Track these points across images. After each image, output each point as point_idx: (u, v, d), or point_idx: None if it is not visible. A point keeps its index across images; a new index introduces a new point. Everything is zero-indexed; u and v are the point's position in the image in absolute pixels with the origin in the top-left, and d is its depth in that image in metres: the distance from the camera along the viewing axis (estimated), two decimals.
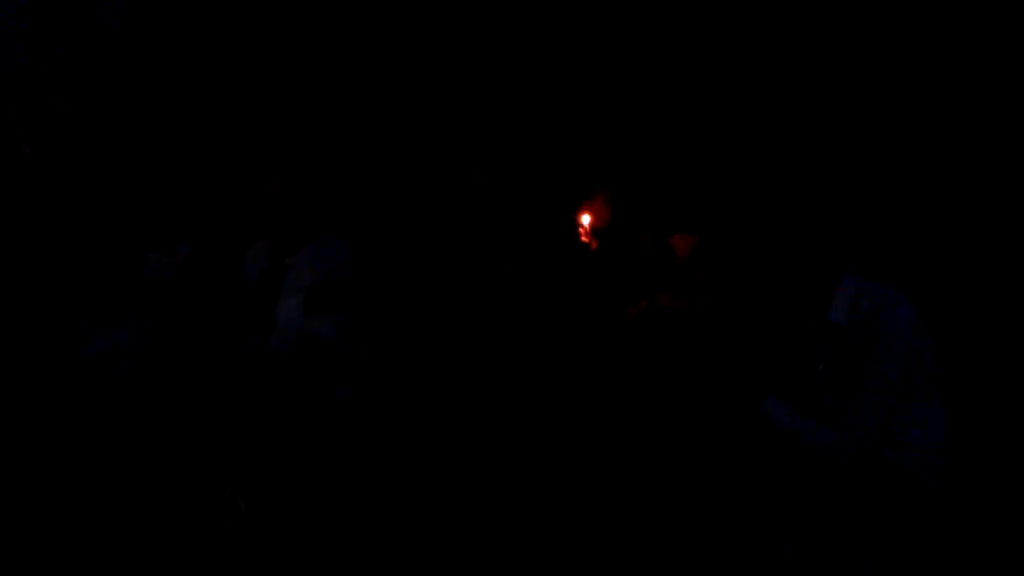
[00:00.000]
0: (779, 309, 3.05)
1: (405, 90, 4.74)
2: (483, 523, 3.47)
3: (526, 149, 4.52)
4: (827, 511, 2.89)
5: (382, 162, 4.68)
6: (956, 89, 4.30)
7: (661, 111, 4.56)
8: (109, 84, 4.54)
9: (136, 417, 3.46)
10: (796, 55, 4.43)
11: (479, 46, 4.75)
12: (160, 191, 3.89)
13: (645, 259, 4.12)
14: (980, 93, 4.27)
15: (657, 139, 4.50)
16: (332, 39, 4.75)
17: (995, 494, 3.50)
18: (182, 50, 4.74)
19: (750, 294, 3.40)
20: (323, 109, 4.69)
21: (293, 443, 3.37)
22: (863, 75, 4.36)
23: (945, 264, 4.10)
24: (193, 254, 3.87)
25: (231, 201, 4.36)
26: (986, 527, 3.33)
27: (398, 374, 3.94)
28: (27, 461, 3.28)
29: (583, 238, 4.09)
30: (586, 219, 4.14)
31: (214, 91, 4.74)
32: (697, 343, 3.67)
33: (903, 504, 2.88)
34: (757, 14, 4.49)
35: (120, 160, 3.89)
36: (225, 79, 4.74)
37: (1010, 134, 4.20)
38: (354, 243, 3.84)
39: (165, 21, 4.72)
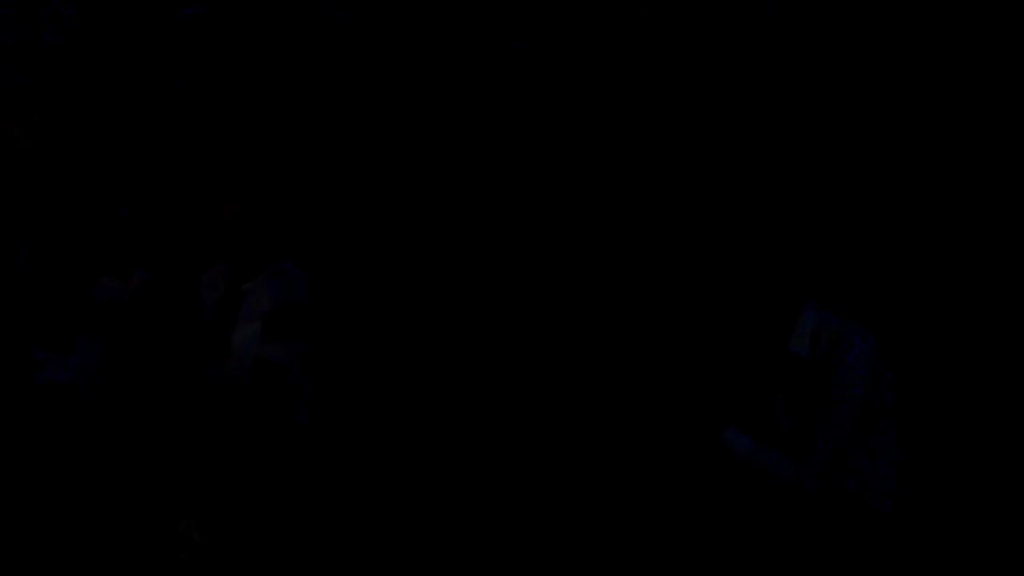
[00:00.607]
0: (740, 340, 3.08)
1: (359, 116, 4.74)
2: (441, 551, 3.45)
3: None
4: (784, 541, 2.91)
5: (342, 187, 4.66)
6: (911, 126, 4.36)
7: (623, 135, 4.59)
8: (62, 109, 4.49)
9: (89, 447, 3.41)
10: (756, 86, 4.48)
11: (431, 77, 4.76)
12: (115, 214, 3.84)
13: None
14: (935, 132, 4.34)
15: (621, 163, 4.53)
16: (289, 61, 4.74)
17: (948, 525, 3.54)
18: (136, 73, 4.70)
19: (706, 325, 3.42)
20: (283, 132, 4.67)
21: (249, 473, 3.33)
22: (821, 108, 4.42)
23: (902, 298, 4.15)
24: (148, 279, 3.83)
25: (187, 225, 4.32)
26: (940, 559, 3.37)
27: (357, 402, 3.91)
28: None
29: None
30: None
31: (169, 114, 4.70)
32: (658, 371, 3.69)
33: (859, 535, 2.91)
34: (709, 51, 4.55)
35: (74, 183, 3.85)
36: (180, 102, 4.71)
37: (968, 172, 4.27)
38: (313, 269, 3.82)
39: (118, 45, 4.68)
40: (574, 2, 4.65)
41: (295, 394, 3.57)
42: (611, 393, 3.80)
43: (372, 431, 3.85)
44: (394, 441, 3.84)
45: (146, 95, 4.65)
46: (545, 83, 4.67)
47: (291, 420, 3.54)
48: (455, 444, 3.82)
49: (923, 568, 3.28)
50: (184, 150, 4.62)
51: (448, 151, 4.64)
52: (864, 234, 4.21)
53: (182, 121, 4.66)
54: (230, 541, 3.17)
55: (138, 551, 3.15)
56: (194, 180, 4.50)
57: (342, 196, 4.63)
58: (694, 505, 3.06)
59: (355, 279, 4.41)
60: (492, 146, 4.62)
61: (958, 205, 4.24)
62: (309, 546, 3.31)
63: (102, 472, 3.32)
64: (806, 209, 4.08)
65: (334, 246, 4.52)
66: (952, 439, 3.90)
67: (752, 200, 4.10)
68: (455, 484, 3.68)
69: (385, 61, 4.72)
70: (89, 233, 3.73)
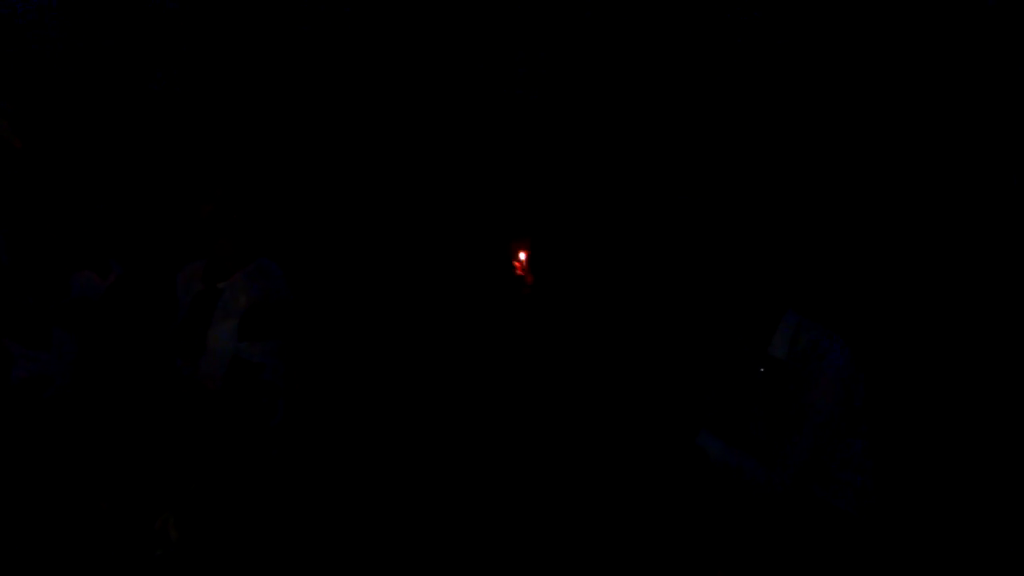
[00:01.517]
0: (719, 344, 3.10)
1: (339, 114, 4.74)
2: (419, 550, 3.46)
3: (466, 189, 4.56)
4: (757, 545, 2.94)
5: (319, 185, 4.67)
6: (894, 139, 4.42)
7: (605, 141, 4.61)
8: (44, 103, 4.47)
9: (64, 444, 3.39)
10: (741, 93, 4.51)
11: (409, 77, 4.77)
12: (93, 210, 3.83)
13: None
14: (916, 148, 4.40)
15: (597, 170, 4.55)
16: (268, 57, 4.73)
17: (917, 529, 3.60)
18: (115, 69, 4.68)
19: (685, 329, 3.45)
20: (260, 130, 4.67)
21: (226, 470, 3.33)
22: (808, 114, 4.46)
23: (877, 312, 4.22)
24: (124, 276, 3.82)
25: (164, 222, 4.31)
26: (910, 562, 3.43)
27: (334, 400, 3.91)
28: None
29: (519, 272, 4.12)
30: (522, 255, 4.16)
31: (148, 112, 4.69)
32: (633, 376, 3.71)
33: (830, 539, 2.94)
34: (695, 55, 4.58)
35: (55, 179, 3.83)
36: (159, 99, 4.69)
37: (945, 187, 4.34)
38: (290, 267, 3.82)
39: (98, 40, 4.66)
40: (574, 13, 4.68)
41: (271, 393, 3.57)
42: (589, 395, 3.83)
43: (349, 430, 3.86)
44: (372, 440, 3.85)
45: (125, 91, 4.63)
46: (540, 90, 4.69)
47: (267, 419, 3.55)
48: (433, 446, 3.84)
49: (891, 570, 3.33)
50: (163, 148, 4.61)
51: (430, 152, 4.66)
52: (844, 249, 4.27)
53: (161, 119, 4.65)
54: (207, 538, 3.17)
55: (115, 547, 3.14)
56: (172, 177, 4.49)
57: (321, 195, 4.63)
58: (669, 506, 3.08)
59: (333, 279, 4.42)
60: (479, 148, 4.64)
61: (935, 223, 4.30)
62: (285, 543, 3.31)
63: (78, 468, 3.31)
64: (791, 220, 4.13)
65: (312, 245, 4.52)
66: (920, 446, 3.97)
67: (739, 210, 4.15)
68: (434, 484, 3.69)
69: (367, 63, 4.73)
70: (68, 228, 3.72)
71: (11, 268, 3.65)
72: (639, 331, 4.05)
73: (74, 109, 4.55)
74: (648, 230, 4.30)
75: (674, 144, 4.49)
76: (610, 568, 3.23)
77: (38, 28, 4.56)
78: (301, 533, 3.35)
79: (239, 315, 3.62)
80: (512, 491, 3.67)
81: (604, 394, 3.73)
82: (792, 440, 2.90)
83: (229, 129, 4.65)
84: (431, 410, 3.96)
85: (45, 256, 3.70)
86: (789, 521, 2.92)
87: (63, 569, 3.12)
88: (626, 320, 4.12)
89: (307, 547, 3.33)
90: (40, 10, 4.55)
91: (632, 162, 4.50)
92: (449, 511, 3.57)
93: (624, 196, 4.44)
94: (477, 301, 4.27)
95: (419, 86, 4.76)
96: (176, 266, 3.84)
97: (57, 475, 3.29)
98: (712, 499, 2.99)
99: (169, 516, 3.16)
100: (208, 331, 3.62)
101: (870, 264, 4.29)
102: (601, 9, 4.69)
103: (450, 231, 4.51)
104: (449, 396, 3.99)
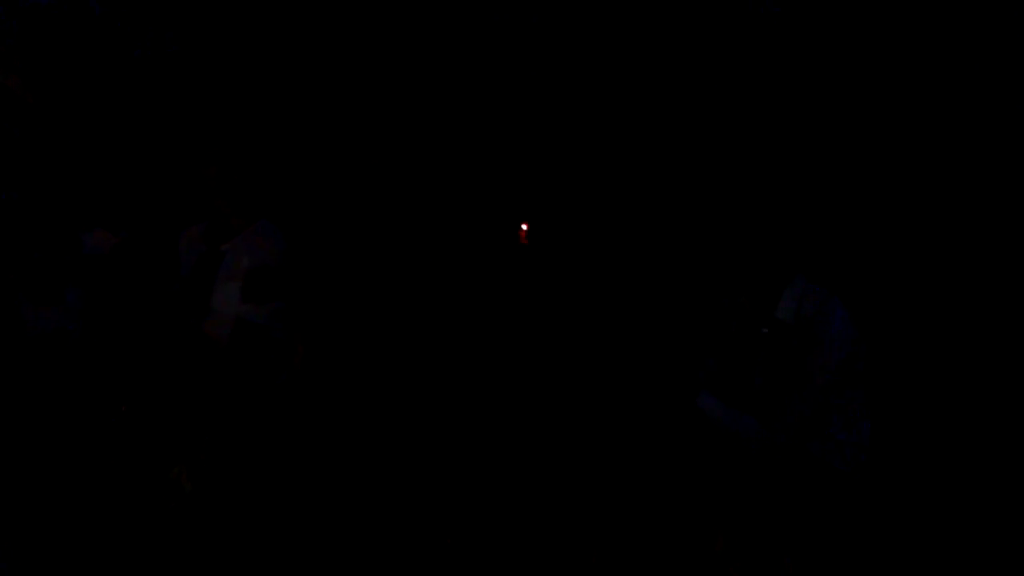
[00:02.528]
0: (731, 306, 3.18)
1: (341, 79, 4.75)
2: (418, 506, 3.51)
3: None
4: (755, 504, 3.02)
5: (320, 150, 4.67)
6: (902, 107, 4.46)
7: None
8: (58, 67, 4.44)
9: (79, 397, 3.41)
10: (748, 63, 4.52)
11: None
12: (102, 171, 3.84)
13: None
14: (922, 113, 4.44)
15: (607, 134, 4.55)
16: (271, 25, 4.73)
17: (908, 490, 3.70)
18: (128, 33, 4.66)
19: (697, 292, 3.51)
20: (263, 95, 4.67)
21: (237, 424, 3.37)
22: (813, 87, 4.48)
23: (879, 277, 4.29)
24: (128, 235, 3.83)
25: (168, 184, 4.32)
26: (900, 522, 3.53)
27: (338, 360, 3.95)
28: None
29: (523, 240, 4.16)
30: (524, 225, 4.19)
31: (157, 75, 4.67)
32: (635, 339, 3.78)
33: (824, 497, 3.04)
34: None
35: (67, 141, 3.83)
36: (168, 63, 4.68)
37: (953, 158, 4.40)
38: (291, 230, 3.84)
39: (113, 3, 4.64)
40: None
41: (276, 352, 3.61)
42: (590, 355, 3.88)
43: (350, 388, 3.89)
44: (376, 397, 3.89)
45: (130, 54, 4.62)
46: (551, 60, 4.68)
47: (275, 376, 3.59)
48: (438, 391, 3.87)
49: (884, 532, 3.43)
50: (166, 111, 4.60)
51: (435, 121, 4.67)
52: (850, 216, 4.34)
53: (164, 82, 4.64)
54: (220, 489, 3.21)
55: (131, 498, 3.18)
56: (175, 140, 4.49)
57: (322, 157, 4.64)
58: (669, 468, 3.15)
59: (334, 242, 4.43)
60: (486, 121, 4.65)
61: (939, 198, 4.37)
62: (294, 495, 3.36)
63: (93, 422, 3.34)
64: (800, 187, 4.19)
65: (314, 207, 4.53)
66: (914, 411, 4.07)
67: (748, 174, 4.19)
68: (434, 436, 3.74)
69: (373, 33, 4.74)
70: (79, 186, 3.73)
71: (25, 225, 3.66)
72: (643, 293, 4.10)
73: (80, 71, 4.54)
74: (655, 192, 4.33)
75: (684, 108, 4.51)
76: (609, 529, 3.29)
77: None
78: (311, 483, 3.40)
79: (241, 277, 3.64)
80: (514, 439, 3.72)
81: (606, 356, 3.79)
82: (792, 400, 2.99)
83: (233, 92, 4.65)
84: (435, 364, 4.00)
85: (56, 214, 3.71)
86: (785, 479, 3.01)
87: (77, 522, 3.15)
88: (630, 282, 4.16)
89: (316, 496, 3.38)
90: None
91: (637, 122, 4.51)
92: (453, 463, 3.63)
93: (630, 158, 4.47)
94: (475, 267, 4.31)
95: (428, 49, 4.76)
96: (179, 228, 3.86)
97: (74, 428, 3.32)
98: (710, 458, 3.07)
99: (182, 468, 3.20)
100: (211, 293, 3.65)
101: (876, 231, 4.35)
102: None
103: (449, 197, 4.53)
104: (453, 349, 4.03)
